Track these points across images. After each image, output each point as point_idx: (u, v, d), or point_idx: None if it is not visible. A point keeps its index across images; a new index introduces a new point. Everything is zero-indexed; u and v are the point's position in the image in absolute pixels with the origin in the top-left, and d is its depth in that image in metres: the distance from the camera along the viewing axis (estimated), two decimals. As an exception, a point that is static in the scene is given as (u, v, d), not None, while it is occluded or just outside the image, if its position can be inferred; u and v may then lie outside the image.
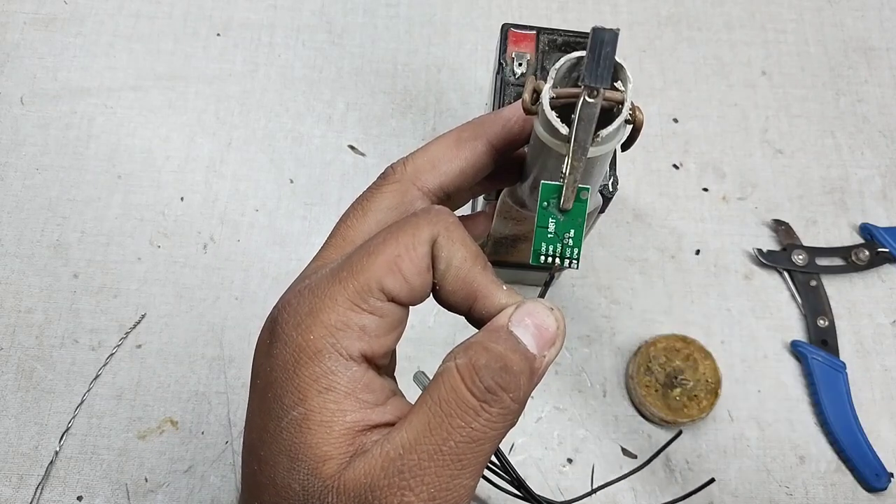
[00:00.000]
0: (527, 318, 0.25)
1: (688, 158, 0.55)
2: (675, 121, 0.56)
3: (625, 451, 0.47)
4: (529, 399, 0.33)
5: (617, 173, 0.37)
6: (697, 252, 0.52)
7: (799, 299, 0.51)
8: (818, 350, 0.49)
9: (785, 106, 0.56)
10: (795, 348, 0.49)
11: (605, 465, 0.47)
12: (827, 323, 0.50)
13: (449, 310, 0.27)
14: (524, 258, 0.45)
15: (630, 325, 0.50)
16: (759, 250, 0.51)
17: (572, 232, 0.28)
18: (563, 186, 0.27)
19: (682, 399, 0.46)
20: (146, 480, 0.45)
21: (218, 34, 0.57)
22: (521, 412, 0.25)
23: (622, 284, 0.51)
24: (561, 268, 0.28)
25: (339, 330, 0.24)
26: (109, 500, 0.44)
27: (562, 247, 0.28)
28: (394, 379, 0.29)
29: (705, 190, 0.54)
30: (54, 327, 0.48)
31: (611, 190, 0.37)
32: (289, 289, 0.26)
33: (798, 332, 0.50)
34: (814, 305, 0.50)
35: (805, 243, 0.52)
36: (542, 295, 0.29)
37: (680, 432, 0.47)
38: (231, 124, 0.54)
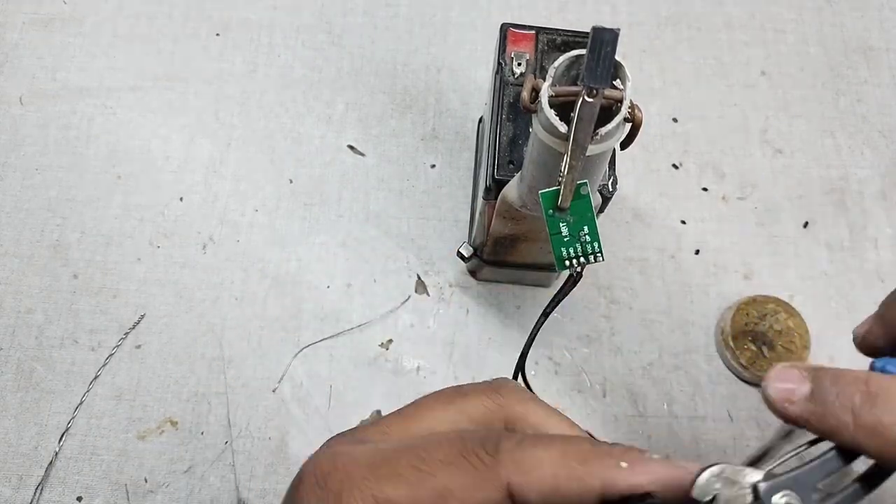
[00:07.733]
0: None
1: (687, 158, 0.55)
2: (675, 121, 0.56)
3: None
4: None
5: (616, 173, 0.37)
6: (697, 252, 0.52)
7: None
8: None
9: (784, 106, 0.56)
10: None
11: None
12: None
13: None
14: (524, 258, 0.45)
15: (629, 325, 0.50)
16: None
17: (586, 228, 0.28)
18: (560, 189, 0.27)
19: (781, 354, 0.48)
20: (146, 481, 0.45)
21: (217, 34, 0.57)
22: None
23: (621, 284, 0.51)
24: (587, 264, 0.28)
25: None
26: (109, 501, 0.44)
27: (581, 245, 0.28)
28: None
29: (705, 190, 0.54)
30: (54, 328, 0.48)
31: (610, 189, 0.37)
32: (341, 439, 0.25)
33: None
34: None
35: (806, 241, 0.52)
36: (564, 295, 0.28)
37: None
38: (231, 125, 0.54)
